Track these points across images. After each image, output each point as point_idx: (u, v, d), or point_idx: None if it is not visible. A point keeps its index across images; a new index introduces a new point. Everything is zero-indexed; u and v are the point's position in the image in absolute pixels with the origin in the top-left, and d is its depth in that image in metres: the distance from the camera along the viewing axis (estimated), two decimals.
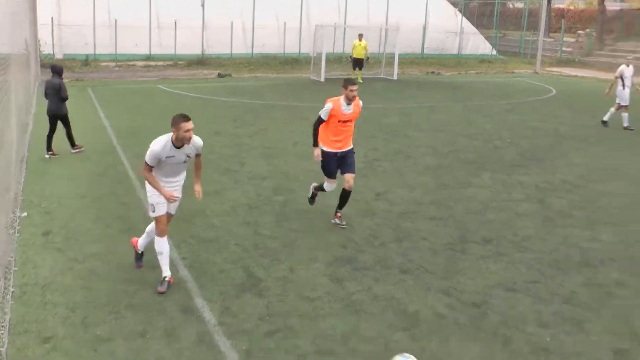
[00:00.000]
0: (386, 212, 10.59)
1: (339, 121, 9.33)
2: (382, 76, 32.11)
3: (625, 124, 19.07)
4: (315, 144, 9.50)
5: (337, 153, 9.51)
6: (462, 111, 21.87)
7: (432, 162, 14.28)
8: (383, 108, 21.87)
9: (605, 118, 19.42)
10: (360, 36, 29.21)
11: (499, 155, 15.27)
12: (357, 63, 29.01)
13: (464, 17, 46.11)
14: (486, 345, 6.45)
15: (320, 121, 9.40)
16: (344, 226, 9.67)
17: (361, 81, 26.89)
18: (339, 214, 9.82)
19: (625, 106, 19.05)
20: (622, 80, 19.00)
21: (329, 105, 9.31)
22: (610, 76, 21.96)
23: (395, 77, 31.32)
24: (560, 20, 52.79)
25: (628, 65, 19.18)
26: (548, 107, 23.68)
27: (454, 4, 49.42)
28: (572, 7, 70.59)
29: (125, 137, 15.75)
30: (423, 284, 7.83)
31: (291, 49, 37.70)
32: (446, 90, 27.99)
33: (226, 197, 11.12)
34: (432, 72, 35.80)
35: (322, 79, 29.47)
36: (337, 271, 8.11)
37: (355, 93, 9.23)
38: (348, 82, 9.30)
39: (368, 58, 29.35)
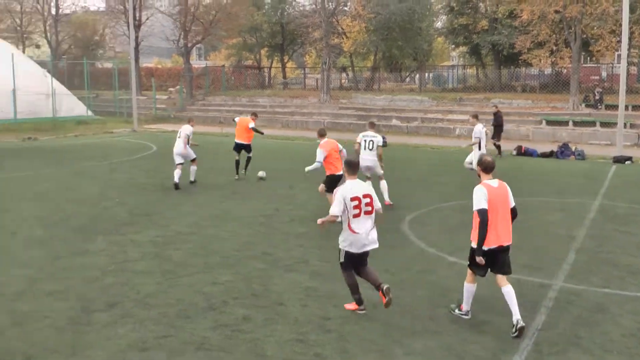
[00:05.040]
0: None
1: None
2: None
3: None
4: None
5: None
6: (66, 176, 21.31)
7: (41, 234, 13.64)
8: None
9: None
10: None
11: (110, 217, 15.17)
12: None
13: (54, 78, 45.10)
14: None
15: None
16: None
17: None
18: None
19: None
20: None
21: None
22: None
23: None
24: (150, 79, 54.45)
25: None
26: (151, 163, 24.22)
27: (42, 65, 48.17)
28: (160, 66, 73.34)
29: None
30: None
31: None
32: (46, 156, 27.03)
33: None
34: (29, 138, 34.32)
35: None
36: None
37: None
38: None
39: None
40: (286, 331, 8.31)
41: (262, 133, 21.71)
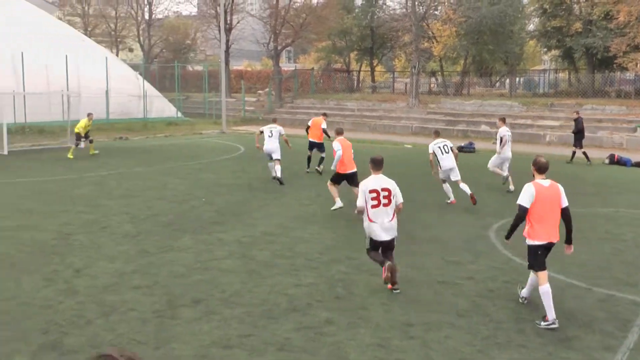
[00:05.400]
0: (89, 287, 10.10)
1: None
2: (68, 145, 30.93)
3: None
4: None
5: None
6: (155, 175, 21.78)
7: (130, 230, 13.97)
8: (73, 179, 21.04)
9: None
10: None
11: (197, 215, 15.40)
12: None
13: (145, 81, 46.31)
14: None
15: None
16: None
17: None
18: None
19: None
20: None
21: None
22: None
23: (82, 146, 30.30)
24: (240, 81, 55.24)
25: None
26: (238, 164, 24.50)
27: (135, 68, 49.53)
28: (249, 69, 74.38)
29: None
30: None
31: None
32: (137, 155, 27.73)
33: None
34: (120, 138, 35.31)
35: (6, 152, 27.62)
36: None
37: None
38: None
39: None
40: (368, 335, 8.21)
41: (329, 136, 22.01)
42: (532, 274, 9.06)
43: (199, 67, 67.87)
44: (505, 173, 19.08)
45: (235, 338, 8.09)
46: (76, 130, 27.18)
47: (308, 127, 23.03)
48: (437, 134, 17.79)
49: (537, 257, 8.79)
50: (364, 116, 43.75)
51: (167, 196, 17.93)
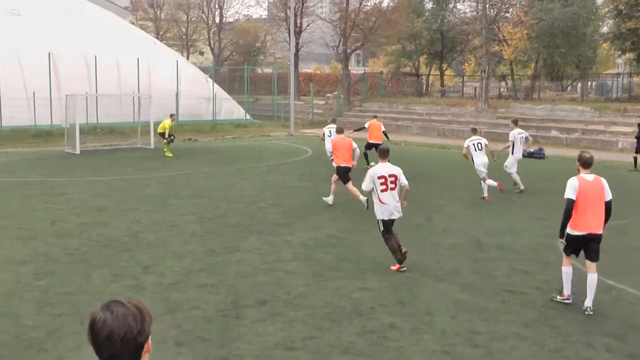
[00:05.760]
0: (156, 284, 10.28)
1: None
2: (139, 145, 31.61)
3: None
4: None
5: None
6: (223, 176, 22.03)
7: (197, 229, 14.15)
8: (142, 178, 21.47)
9: None
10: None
11: (263, 216, 15.50)
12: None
13: (215, 83, 46.93)
14: None
15: None
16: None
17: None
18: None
19: None
20: None
21: None
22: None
23: (152, 146, 30.95)
24: (308, 84, 55.45)
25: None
26: (306, 167, 24.59)
27: (204, 70, 50.25)
28: (318, 72, 74.64)
29: None
30: (200, 354, 7.65)
31: (42, 120, 36.01)
32: (205, 156, 28.10)
33: None
34: (189, 139, 35.80)
35: (78, 151, 28.39)
36: None
37: None
38: None
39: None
40: (432, 342, 8.12)
41: (388, 138, 24.63)
42: (589, 278, 9.27)
43: (268, 70, 68.44)
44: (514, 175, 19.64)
45: (299, 340, 8.10)
46: (159, 130, 27.87)
47: (362, 129, 25.00)
48: (474, 131, 19.15)
49: (573, 245, 9.37)
50: (432, 120, 43.40)
51: (235, 197, 18.11)
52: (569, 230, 9.28)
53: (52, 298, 9.61)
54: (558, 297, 9.61)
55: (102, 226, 14.32)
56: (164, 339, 8.05)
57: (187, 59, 62.66)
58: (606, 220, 9.32)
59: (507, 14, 50.23)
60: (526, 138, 20.24)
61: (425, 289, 10.18)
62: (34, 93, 35.77)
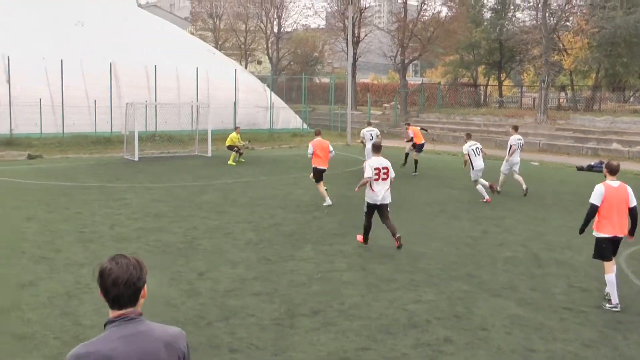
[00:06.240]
0: (210, 290, 10.36)
1: None
2: (196, 153, 31.99)
3: None
4: None
5: None
6: (278, 184, 22.12)
7: (252, 237, 14.23)
8: (199, 185, 21.71)
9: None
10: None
11: (319, 226, 15.50)
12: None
13: (272, 92, 47.23)
14: None
15: None
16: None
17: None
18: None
19: None
20: None
21: None
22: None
23: (209, 154, 31.29)
24: (366, 94, 55.39)
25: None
26: (361, 177, 24.45)
27: (262, 80, 50.63)
28: (375, 82, 74.55)
29: None
30: None
31: (102, 127, 36.74)
32: (262, 165, 28.28)
33: (42, 288, 10.39)
34: (245, 145, 35.95)
35: (136, 158, 28.87)
36: None
37: None
38: None
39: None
40: (487, 357, 7.99)
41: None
42: (606, 277, 10.04)
43: (325, 80, 68.63)
44: (521, 181, 20.35)
45: (352, 351, 8.06)
46: (228, 144, 28.36)
47: (411, 139, 25.97)
48: (469, 136, 20.32)
49: (603, 249, 10.04)
50: (490, 132, 42.89)
51: (290, 206, 18.16)
52: (596, 233, 10.09)
53: None
54: (607, 305, 9.95)
55: (159, 231, 14.52)
56: (218, 345, 8.11)
57: (245, 68, 63.20)
58: (634, 227, 10.09)
59: (567, 23, 49.31)
60: (521, 145, 21.00)
61: (480, 303, 10.02)
62: (95, 101, 36.55)
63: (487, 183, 19.50)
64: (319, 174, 18.62)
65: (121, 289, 3.37)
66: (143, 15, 47.05)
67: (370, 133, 24.16)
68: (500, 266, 12.31)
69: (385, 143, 22.17)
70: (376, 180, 13.18)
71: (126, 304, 3.42)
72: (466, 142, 20.05)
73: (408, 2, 51.81)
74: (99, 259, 11.97)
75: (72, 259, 12.12)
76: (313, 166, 18.69)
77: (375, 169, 13.21)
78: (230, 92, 42.61)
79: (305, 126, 47.22)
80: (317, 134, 19.57)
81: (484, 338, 8.60)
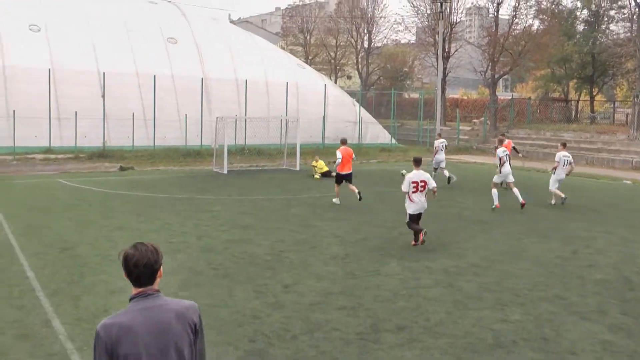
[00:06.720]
0: (295, 303, 10.46)
1: None
2: (284, 167, 32.37)
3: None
4: None
5: None
6: (365, 199, 22.11)
7: (338, 251, 14.30)
8: (287, 199, 21.96)
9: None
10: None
11: (405, 241, 15.44)
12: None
13: (361, 107, 47.35)
14: None
15: None
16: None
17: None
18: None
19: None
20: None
21: None
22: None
23: (297, 168, 31.60)
24: (455, 110, 54.91)
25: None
26: (449, 193, 24.27)
27: (352, 94, 50.85)
28: (465, 97, 73.79)
29: (23, 236, 15.13)
30: None
31: (193, 140, 37.64)
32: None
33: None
34: (333, 162, 35.99)
35: (225, 171, 29.44)
36: None
37: None
38: None
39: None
40: None
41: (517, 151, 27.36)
42: None
43: (414, 95, 68.36)
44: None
45: None
46: (321, 171, 28.76)
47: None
48: (501, 142, 21.80)
49: None
50: (581, 148, 41.82)
51: (375, 221, 18.16)
52: None
53: None
54: None
55: (246, 243, 14.76)
56: (302, 359, 8.17)
57: (335, 82, 63.63)
58: None
59: None
60: (570, 163, 21.49)
61: (569, 326, 9.77)
62: (185, 115, 37.49)
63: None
64: (345, 179, 20.91)
65: (141, 270, 4.07)
66: (234, 31, 48.01)
67: (442, 144, 26.00)
68: (590, 288, 11.97)
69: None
70: (414, 192, 14.61)
71: (145, 283, 4.12)
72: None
73: (499, 16, 51.18)
74: (186, 269, 12.32)
75: None
76: (338, 172, 20.92)
77: (413, 182, 14.55)
78: (319, 107, 43.01)
79: (393, 141, 47.14)
80: (344, 142, 21.33)
81: None
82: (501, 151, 21.20)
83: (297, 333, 9.10)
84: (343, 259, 13.65)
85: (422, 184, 14.59)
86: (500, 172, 20.94)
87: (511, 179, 21.01)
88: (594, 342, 9.14)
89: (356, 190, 20.54)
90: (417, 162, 14.98)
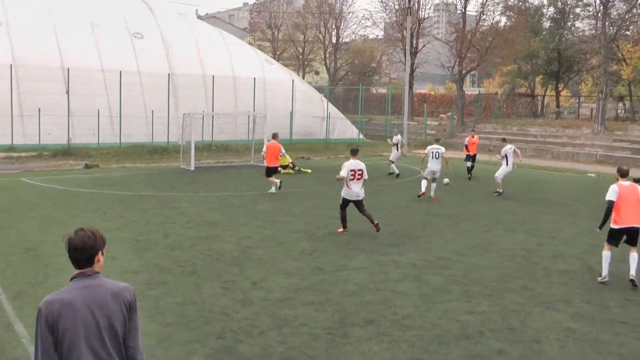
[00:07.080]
0: (263, 299, 10.44)
1: None
2: (252, 163, 32.26)
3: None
4: None
5: None
6: (334, 194, 22.09)
7: (306, 247, 14.30)
8: (254, 195, 21.89)
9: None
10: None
11: (373, 236, 15.49)
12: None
13: (329, 103, 47.36)
14: None
15: None
16: None
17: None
18: None
19: None
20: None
21: None
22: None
23: (264, 164, 31.43)
24: (422, 105, 55.15)
25: None
26: (417, 187, 24.38)
27: (320, 90, 50.84)
28: (432, 92, 74.14)
29: None
30: None
31: (159, 137, 37.34)
32: (317, 175, 28.38)
33: None
34: (302, 157, 36.17)
35: (192, 168, 29.27)
36: None
37: None
38: None
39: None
40: None
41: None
42: (631, 256, 11.76)
43: (382, 90, 68.51)
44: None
45: None
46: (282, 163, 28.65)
47: (466, 145, 28.99)
48: (437, 140, 22.92)
49: (614, 237, 11.83)
50: (546, 142, 42.32)
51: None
52: (612, 225, 11.80)
53: (163, 307, 9.95)
54: (598, 278, 11.89)
55: (213, 240, 14.70)
56: (270, 354, 8.17)
57: (303, 78, 63.55)
58: None
59: (627, 32, 48.42)
60: (514, 151, 23.64)
61: (535, 316, 9.89)
62: (152, 111, 37.18)
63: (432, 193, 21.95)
64: (272, 172, 22.71)
65: (79, 254, 4.46)
66: (201, 26, 47.68)
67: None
68: (555, 279, 12.14)
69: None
70: (352, 179, 15.63)
71: (83, 265, 4.48)
72: (432, 145, 22.65)
73: (467, 12, 51.47)
74: (153, 267, 12.24)
75: (126, 267, 12.32)
76: (267, 165, 22.70)
77: (351, 170, 15.63)
78: (287, 102, 42.95)
79: (361, 136, 47.24)
80: (275, 137, 23.20)
81: (538, 351, 8.49)
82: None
83: (266, 329, 9.08)
84: (311, 254, 13.66)
85: (360, 172, 15.68)
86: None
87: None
88: (558, 330, 9.27)
89: (277, 182, 22.45)
90: (354, 152, 16.25)
